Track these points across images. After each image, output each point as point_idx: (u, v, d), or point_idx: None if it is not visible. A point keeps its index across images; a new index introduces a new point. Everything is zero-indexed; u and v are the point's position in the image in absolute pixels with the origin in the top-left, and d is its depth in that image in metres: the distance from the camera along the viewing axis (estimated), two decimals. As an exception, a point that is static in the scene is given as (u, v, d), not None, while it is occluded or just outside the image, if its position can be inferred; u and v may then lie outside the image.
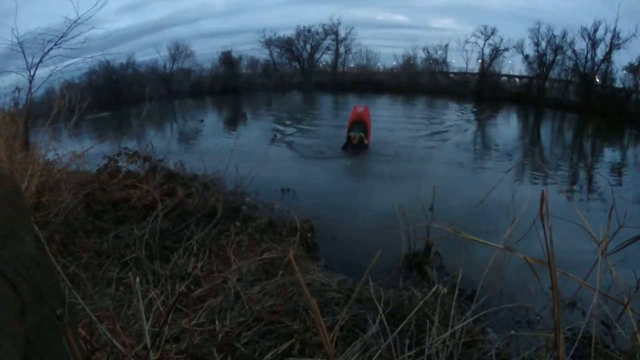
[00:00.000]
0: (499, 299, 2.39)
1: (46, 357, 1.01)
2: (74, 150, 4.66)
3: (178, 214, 3.93)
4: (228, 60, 22.41)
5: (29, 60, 5.43)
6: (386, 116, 13.47)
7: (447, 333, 1.86)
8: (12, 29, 5.22)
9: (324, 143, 9.39)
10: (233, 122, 14.58)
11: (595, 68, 17.68)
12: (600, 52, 17.36)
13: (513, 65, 20.75)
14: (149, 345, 1.43)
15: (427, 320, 2.06)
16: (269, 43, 22.46)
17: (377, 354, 1.85)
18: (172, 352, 1.99)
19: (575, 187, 7.09)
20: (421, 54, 22.19)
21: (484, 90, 20.28)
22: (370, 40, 22.68)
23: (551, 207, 1.02)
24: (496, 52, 20.51)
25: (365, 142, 8.48)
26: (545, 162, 8.92)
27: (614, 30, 16.58)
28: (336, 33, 22.31)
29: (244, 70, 23.58)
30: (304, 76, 22.83)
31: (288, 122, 12.71)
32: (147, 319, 2.16)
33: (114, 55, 13.29)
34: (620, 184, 7.16)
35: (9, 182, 1.02)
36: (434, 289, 2.25)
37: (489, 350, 2.04)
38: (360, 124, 8.81)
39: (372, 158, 8.25)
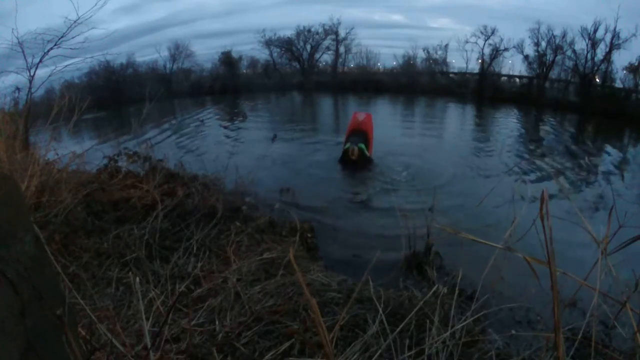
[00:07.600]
0: (499, 299, 2.39)
1: (46, 357, 1.01)
2: (74, 150, 4.67)
3: (178, 214, 3.93)
4: (228, 60, 22.50)
5: (29, 60, 5.46)
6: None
7: (447, 333, 1.86)
8: (12, 29, 5.24)
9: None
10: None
11: (595, 68, 17.72)
12: (600, 52, 17.46)
13: (513, 65, 20.87)
14: (149, 345, 1.43)
15: (427, 320, 2.05)
16: (268, 43, 22.55)
17: (377, 354, 1.85)
18: (172, 352, 1.98)
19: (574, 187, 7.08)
20: (421, 54, 22.34)
21: (484, 90, 20.32)
22: (370, 40, 22.81)
23: (552, 207, 1.02)
24: (496, 52, 20.60)
25: (367, 154, 7.36)
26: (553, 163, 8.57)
27: (614, 30, 16.70)
28: (336, 33, 22.41)
29: (244, 70, 23.67)
30: (304, 76, 22.87)
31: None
32: (147, 319, 2.16)
33: (114, 55, 13.41)
34: (621, 181, 7.16)
35: (9, 182, 1.02)
36: (434, 289, 2.25)
37: (489, 350, 2.03)
38: (359, 134, 7.59)
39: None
